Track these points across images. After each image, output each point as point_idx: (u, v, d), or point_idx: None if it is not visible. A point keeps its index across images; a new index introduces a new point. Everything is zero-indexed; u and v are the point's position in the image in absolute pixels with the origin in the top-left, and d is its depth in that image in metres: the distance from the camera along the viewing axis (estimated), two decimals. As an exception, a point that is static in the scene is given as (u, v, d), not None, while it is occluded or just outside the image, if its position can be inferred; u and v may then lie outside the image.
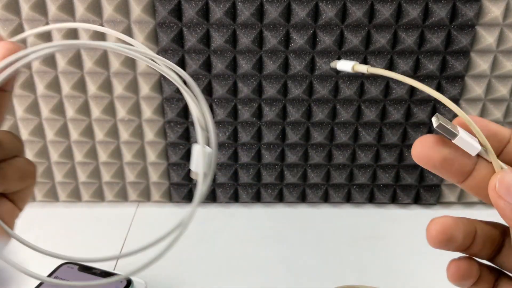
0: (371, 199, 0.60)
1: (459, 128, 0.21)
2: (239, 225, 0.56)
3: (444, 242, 0.23)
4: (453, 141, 0.21)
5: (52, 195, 0.59)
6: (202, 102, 0.26)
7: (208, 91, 0.53)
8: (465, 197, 0.59)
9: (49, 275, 0.43)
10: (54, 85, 0.53)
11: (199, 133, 0.26)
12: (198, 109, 0.25)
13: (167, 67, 0.25)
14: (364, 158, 0.57)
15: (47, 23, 0.50)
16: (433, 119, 0.21)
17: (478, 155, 0.22)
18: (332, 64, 0.26)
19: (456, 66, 0.52)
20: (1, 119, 0.26)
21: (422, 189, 0.59)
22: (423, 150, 0.22)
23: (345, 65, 0.25)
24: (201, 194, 0.27)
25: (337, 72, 0.52)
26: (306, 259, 0.50)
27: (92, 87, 0.53)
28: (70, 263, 0.45)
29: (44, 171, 0.57)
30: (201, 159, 0.25)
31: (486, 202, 0.22)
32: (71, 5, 0.49)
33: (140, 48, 0.25)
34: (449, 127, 0.21)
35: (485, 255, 0.24)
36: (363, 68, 0.24)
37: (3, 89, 0.25)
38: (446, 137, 0.21)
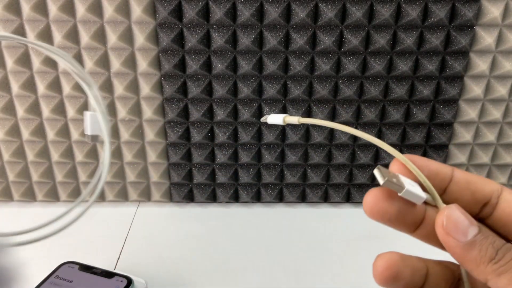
0: (370, 199, 0.60)
1: (402, 179, 0.21)
2: (239, 225, 0.56)
3: (390, 279, 0.22)
4: (400, 194, 0.20)
5: (52, 195, 0.59)
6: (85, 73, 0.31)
7: (208, 92, 0.54)
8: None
9: (50, 275, 0.43)
10: (55, 85, 0.53)
11: (91, 102, 0.32)
12: (83, 80, 0.30)
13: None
14: (363, 158, 0.57)
15: (48, 24, 0.50)
16: (377, 175, 0.20)
17: (425, 202, 0.21)
18: (262, 119, 0.26)
19: (455, 66, 0.52)
20: None
21: (421, 189, 0.59)
22: (378, 205, 0.21)
23: (275, 119, 0.25)
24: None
25: (337, 72, 0.52)
26: (306, 259, 0.51)
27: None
28: (70, 262, 0.45)
29: (45, 171, 0.57)
30: (93, 123, 0.29)
31: (439, 247, 0.22)
32: (72, 6, 0.49)
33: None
34: (394, 181, 0.20)
35: None
36: (294, 120, 0.24)
37: None
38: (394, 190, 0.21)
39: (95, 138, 0.35)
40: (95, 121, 0.34)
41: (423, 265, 0.23)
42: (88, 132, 0.35)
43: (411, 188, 0.21)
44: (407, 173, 0.21)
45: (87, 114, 0.35)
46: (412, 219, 0.22)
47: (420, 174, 0.21)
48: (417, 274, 0.22)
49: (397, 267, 0.22)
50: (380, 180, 0.20)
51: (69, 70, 0.32)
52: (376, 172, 0.21)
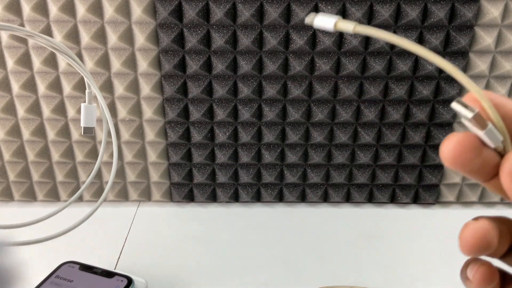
0: (370, 199, 0.60)
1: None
2: (239, 225, 0.57)
3: (482, 249, 0.20)
4: (482, 132, 0.18)
5: (53, 195, 0.59)
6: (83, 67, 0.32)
7: (208, 92, 0.54)
8: (464, 197, 0.60)
9: (50, 275, 0.43)
10: (56, 86, 0.53)
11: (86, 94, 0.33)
12: (84, 74, 0.30)
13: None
14: (363, 158, 0.57)
15: (48, 24, 0.50)
16: (459, 108, 0.17)
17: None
18: (308, 20, 0.20)
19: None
20: None
21: (421, 188, 0.59)
22: (463, 155, 0.19)
23: (325, 22, 0.19)
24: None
25: (337, 72, 0.53)
26: (306, 259, 0.51)
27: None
28: (71, 262, 0.45)
29: (46, 170, 0.58)
30: (88, 115, 0.29)
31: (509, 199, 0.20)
32: (72, 6, 0.49)
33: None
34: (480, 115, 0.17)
35: (498, 253, 0.22)
36: (349, 27, 0.19)
37: None
38: (474, 129, 0.18)
39: (88, 130, 0.36)
40: (89, 113, 0.35)
41: (507, 228, 0.21)
42: (82, 123, 0.35)
43: (492, 126, 0.18)
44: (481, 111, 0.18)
45: (83, 106, 0.35)
46: (492, 169, 0.19)
47: (496, 113, 0.18)
48: (503, 239, 0.21)
49: (489, 236, 0.20)
50: (468, 114, 0.17)
51: (69, 62, 0.32)
52: (456, 105, 0.18)
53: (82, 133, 0.35)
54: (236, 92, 0.54)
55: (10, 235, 0.44)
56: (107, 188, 0.41)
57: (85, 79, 0.35)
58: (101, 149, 0.41)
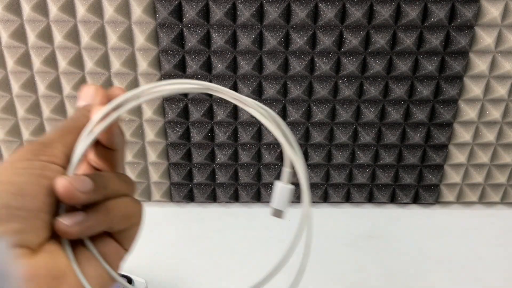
0: (370, 199, 0.60)
1: None
2: (239, 225, 0.57)
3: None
4: None
5: (53, 195, 0.59)
6: (296, 148, 0.28)
7: (208, 92, 0.54)
8: (464, 197, 0.60)
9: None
10: (55, 86, 0.53)
11: (286, 172, 0.29)
12: (291, 152, 0.26)
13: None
14: (363, 158, 0.57)
15: (48, 24, 0.50)
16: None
17: None
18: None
19: (455, 66, 0.52)
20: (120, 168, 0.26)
21: (421, 188, 0.59)
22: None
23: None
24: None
25: (337, 72, 0.53)
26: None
27: (93, 88, 0.53)
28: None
29: (45, 171, 0.57)
30: (282, 196, 0.25)
31: None
32: (72, 6, 0.49)
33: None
34: None
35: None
36: None
37: (109, 147, 0.25)
38: None
39: (277, 213, 0.31)
40: (284, 194, 0.30)
41: None
42: (274, 204, 0.30)
43: None
44: None
45: (278, 185, 0.30)
46: None
47: None
48: None
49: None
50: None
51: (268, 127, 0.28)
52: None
53: (270, 214, 0.31)
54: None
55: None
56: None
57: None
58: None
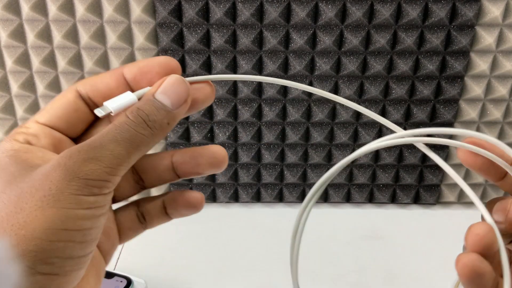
0: (370, 199, 0.60)
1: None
2: (239, 225, 0.56)
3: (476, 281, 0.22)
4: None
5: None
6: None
7: (208, 91, 0.53)
8: (465, 197, 0.60)
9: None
10: (55, 85, 0.53)
11: None
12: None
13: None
14: (363, 158, 0.57)
15: (47, 23, 0.50)
16: None
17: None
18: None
19: (455, 66, 0.52)
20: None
21: (421, 189, 0.59)
22: (468, 158, 0.25)
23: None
24: None
25: (337, 72, 0.52)
26: (306, 259, 0.51)
27: (92, 87, 0.53)
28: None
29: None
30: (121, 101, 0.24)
31: None
32: (72, 5, 0.49)
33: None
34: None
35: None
36: None
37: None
38: None
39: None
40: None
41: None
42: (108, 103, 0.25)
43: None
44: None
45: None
46: (496, 171, 0.24)
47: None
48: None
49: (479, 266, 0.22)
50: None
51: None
52: None
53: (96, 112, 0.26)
54: (236, 91, 0.54)
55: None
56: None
57: None
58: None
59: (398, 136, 0.25)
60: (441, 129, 0.25)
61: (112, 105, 0.23)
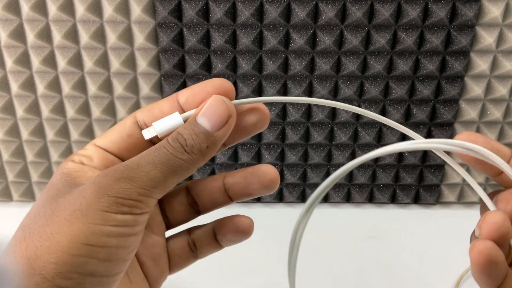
0: (370, 199, 0.60)
1: None
2: (239, 225, 0.56)
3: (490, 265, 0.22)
4: None
5: (52, 195, 0.59)
6: None
7: (208, 91, 0.53)
8: (465, 197, 0.60)
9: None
10: (54, 85, 0.53)
11: None
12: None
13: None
14: (364, 158, 0.57)
15: (47, 23, 0.50)
16: None
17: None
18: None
19: (455, 66, 0.52)
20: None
21: (421, 189, 0.59)
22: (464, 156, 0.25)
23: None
24: None
25: (337, 72, 0.52)
26: (306, 259, 0.51)
27: (92, 87, 0.53)
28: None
29: (44, 171, 0.57)
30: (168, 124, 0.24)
31: None
32: (71, 5, 0.49)
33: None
34: None
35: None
36: None
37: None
38: None
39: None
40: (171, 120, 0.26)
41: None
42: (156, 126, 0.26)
43: None
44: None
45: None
46: (491, 166, 0.25)
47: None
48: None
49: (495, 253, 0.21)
50: None
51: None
52: None
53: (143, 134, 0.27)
54: (236, 91, 0.54)
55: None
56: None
57: None
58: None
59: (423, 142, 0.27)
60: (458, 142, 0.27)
61: (158, 127, 0.23)
